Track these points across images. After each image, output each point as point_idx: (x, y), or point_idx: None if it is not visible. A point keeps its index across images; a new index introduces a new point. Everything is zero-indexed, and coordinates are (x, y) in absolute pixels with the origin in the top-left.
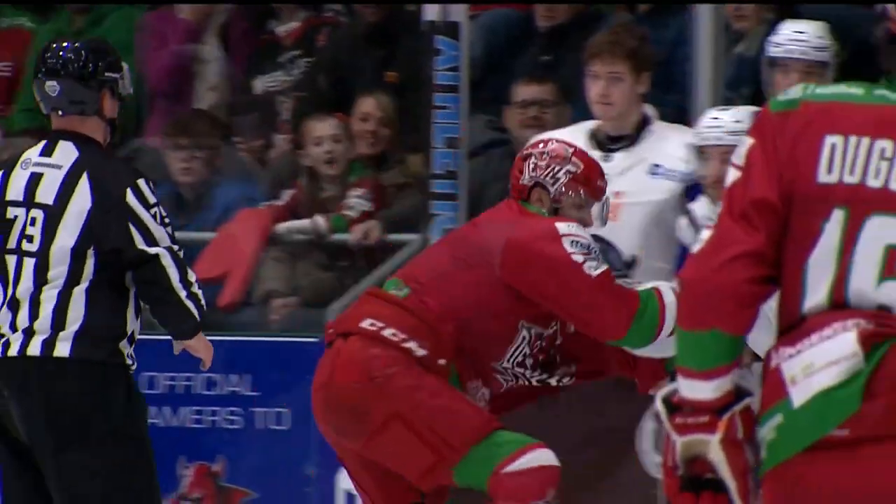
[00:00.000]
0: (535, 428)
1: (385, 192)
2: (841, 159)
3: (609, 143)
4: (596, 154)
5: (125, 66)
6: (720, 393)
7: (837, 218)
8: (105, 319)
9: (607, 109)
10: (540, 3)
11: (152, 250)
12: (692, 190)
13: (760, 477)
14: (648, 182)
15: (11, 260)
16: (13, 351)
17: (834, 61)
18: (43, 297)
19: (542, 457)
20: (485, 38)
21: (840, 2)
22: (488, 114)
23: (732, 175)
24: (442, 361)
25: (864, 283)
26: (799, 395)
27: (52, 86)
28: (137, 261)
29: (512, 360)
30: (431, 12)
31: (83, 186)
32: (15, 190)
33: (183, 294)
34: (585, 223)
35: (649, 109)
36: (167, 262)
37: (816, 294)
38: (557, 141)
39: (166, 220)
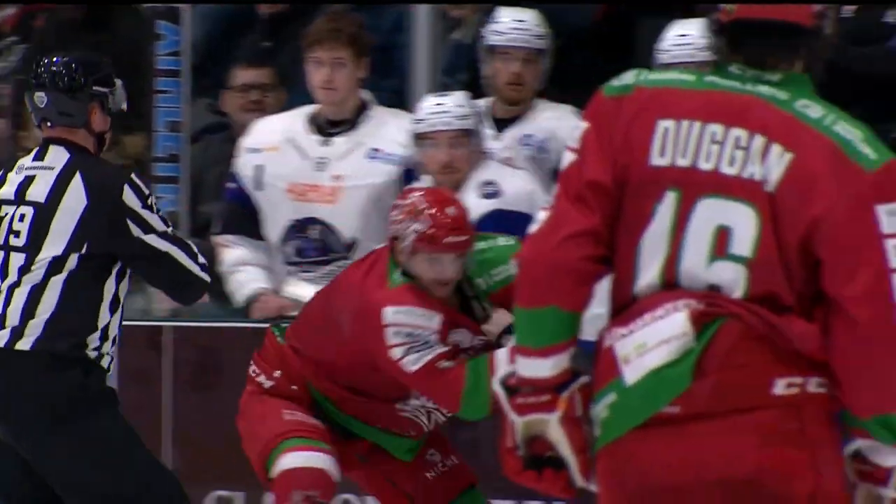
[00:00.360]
0: None
1: None
2: (673, 143)
3: (329, 127)
4: (315, 138)
5: (118, 81)
6: (558, 370)
7: (670, 200)
8: (75, 313)
9: (330, 94)
10: None
11: (156, 243)
12: (409, 174)
13: (594, 454)
14: (367, 166)
15: None
16: None
17: (549, 48)
18: (20, 289)
19: (293, 460)
20: (206, 23)
21: None
22: (210, 98)
23: (568, 158)
24: (294, 387)
25: (695, 263)
26: (632, 374)
27: (40, 97)
28: (144, 254)
29: (414, 400)
30: None
31: (76, 186)
32: (7, 191)
33: (196, 269)
34: (441, 277)
35: (366, 94)
36: (168, 247)
37: (648, 274)
38: (420, 193)
39: (158, 207)
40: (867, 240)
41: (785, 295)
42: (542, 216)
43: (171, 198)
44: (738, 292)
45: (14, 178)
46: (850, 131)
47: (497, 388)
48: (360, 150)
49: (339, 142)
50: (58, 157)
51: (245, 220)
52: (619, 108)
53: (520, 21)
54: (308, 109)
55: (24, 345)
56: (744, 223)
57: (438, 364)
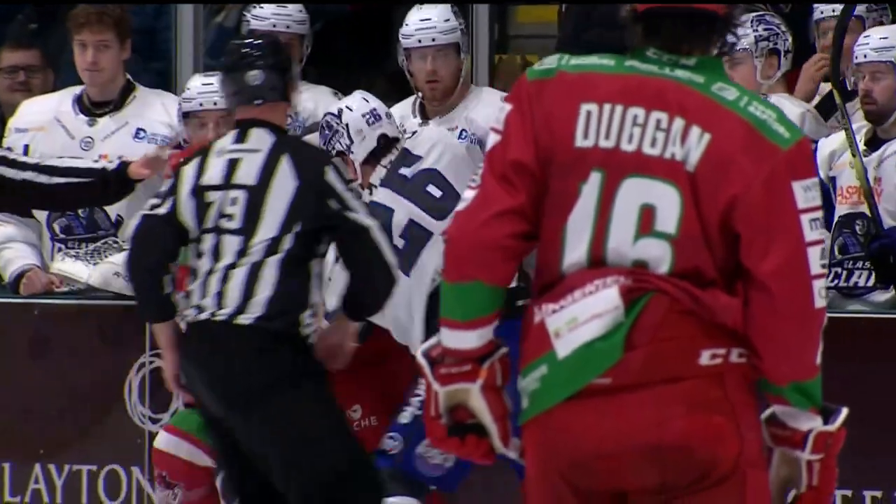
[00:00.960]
0: None
1: None
2: (596, 125)
3: (95, 108)
4: (82, 118)
5: None
6: (483, 342)
7: (595, 180)
8: (292, 291)
9: (96, 76)
10: None
11: (366, 221)
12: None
13: (521, 425)
14: (133, 146)
15: (209, 238)
16: (205, 316)
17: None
18: (238, 269)
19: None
20: None
21: None
22: None
23: (493, 138)
24: None
25: (622, 241)
26: (563, 348)
27: (254, 75)
28: (353, 230)
29: None
30: None
31: (284, 167)
32: (211, 176)
33: (391, 257)
34: None
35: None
36: (378, 234)
37: (576, 252)
38: None
39: (355, 189)
40: (783, 215)
41: (708, 270)
42: (468, 195)
43: None
44: (663, 268)
45: (216, 163)
46: (764, 111)
47: (420, 359)
48: (125, 130)
49: (105, 122)
50: (261, 139)
51: None
52: (542, 91)
53: (426, 20)
54: (75, 90)
55: (244, 320)
56: (667, 202)
57: None
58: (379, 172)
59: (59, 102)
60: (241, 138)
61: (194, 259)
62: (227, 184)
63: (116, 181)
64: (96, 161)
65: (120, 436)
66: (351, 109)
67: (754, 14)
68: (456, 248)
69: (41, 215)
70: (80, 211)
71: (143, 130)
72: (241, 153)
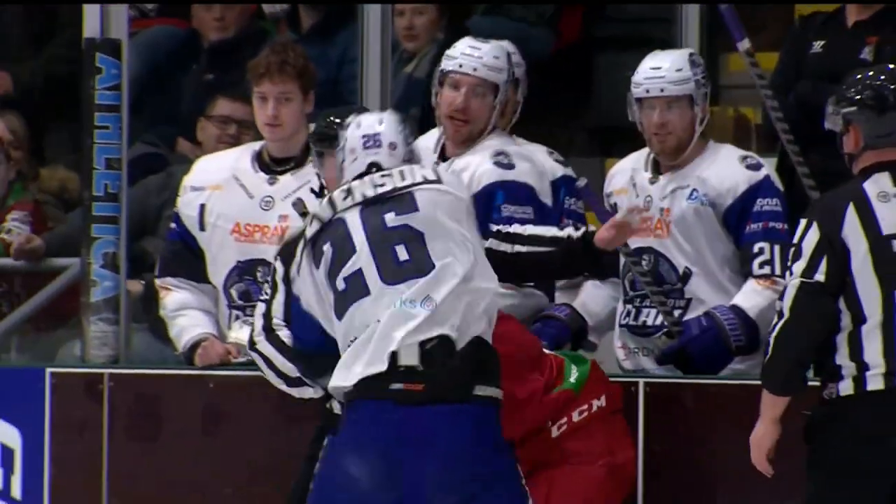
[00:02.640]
0: None
1: (44, 215)
2: None
3: (275, 165)
4: (262, 176)
5: None
6: None
7: None
8: None
9: (277, 131)
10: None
11: None
12: None
13: None
14: (316, 205)
15: None
16: None
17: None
18: None
19: None
20: (145, 54)
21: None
22: (152, 133)
23: None
24: None
25: None
26: None
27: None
28: None
29: None
30: (91, 28)
31: None
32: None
33: None
34: None
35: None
36: None
37: None
38: None
39: None
40: None
41: None
42: None
43: (111, 238)
44: None
45: (883, 208)
46: None
47: None
48: (307, 189)
49: (286, 180)
50: None
51: (187, 262)
52: None
53: (474, 48)
54: (254, 146)
55: None
56: None
57: None
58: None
59: (237, 159)
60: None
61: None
62: None
63: (582, 250)
64: (559, 228)
65: None
66: (358, 126)
67: (689, 54)
68: None
69: (218, 280)
70: (259, 275)
71: (328, 189)
72: None
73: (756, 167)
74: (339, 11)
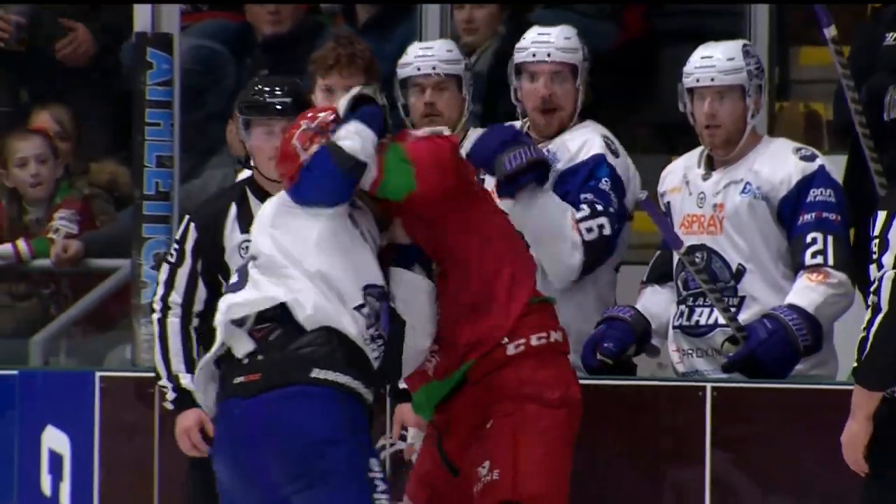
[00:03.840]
0: None
1: (93, 214)
2: None
3: None
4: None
5: None
6: None
7: None
8: None
9: None
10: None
11: None
12: None
13: None
14: None
15: None
16: None
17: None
18: None
19: None
20: (198, 49)
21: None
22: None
23: None
24: None
25: None
26: None
27: None
28: None
29: None
30: (142, 23)
31: None
32: None
33: None
34: None
35: None
36: None
37: None
38: None
39: None
40: None
41: None
42: None
43: (163, 238)
44: None
45: None
46: None
47: None
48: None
49: None
50: None
51: None
52: None
53: (543, 34)
54: None
55: None
56: None
57: None
58: None
59: None
60: None
61: None
62: None
63: None
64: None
65: None
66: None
67: (743, 44)
68: None
69: None
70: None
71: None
72: None
73: (810, 158)
74: (396, 5)
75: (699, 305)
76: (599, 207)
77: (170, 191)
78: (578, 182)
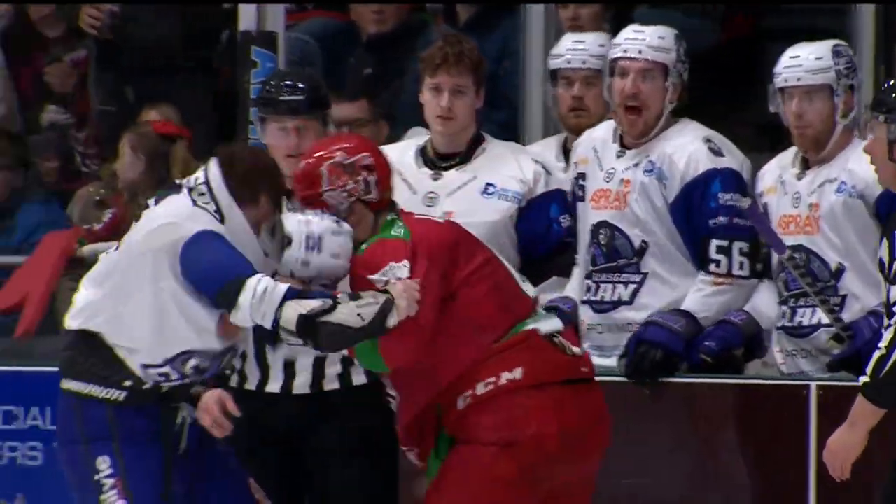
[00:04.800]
0: None
1: None
2: None
3: (440, 160)
4: (426, 171)
5: None
6: None
7: None
8: None
9: (450, 124)
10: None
11: None
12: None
13: None
14: (481, 202)
15: None
16: None
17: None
18: None
19: None
20: (303, 48)
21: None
22: None
23: None
24: None
25: None
26: None
27: None
28: None
29: None
30: (247, 21)
31: None
32: None
33: None
34: None
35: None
36: None
37: None
38: None
39: None
40: None
41: None
42: None
43: None
44: None
45: None
46: None
47: None
48: (473, 185)
49: (451, 175)
50: None
51: None
52: None
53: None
54: (419, 140)
55: None
56: None
57: None
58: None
59: (402, 153)
60: None
61: None
62: None
63: None
64: None
65: None
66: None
67: (833, 44)
68: None
69: None
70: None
71: (493, 185)
72: None
73: None
74: (497, 4)
75: (801, 306)
76: (727, 243)
77: None
78: (696, 203)
